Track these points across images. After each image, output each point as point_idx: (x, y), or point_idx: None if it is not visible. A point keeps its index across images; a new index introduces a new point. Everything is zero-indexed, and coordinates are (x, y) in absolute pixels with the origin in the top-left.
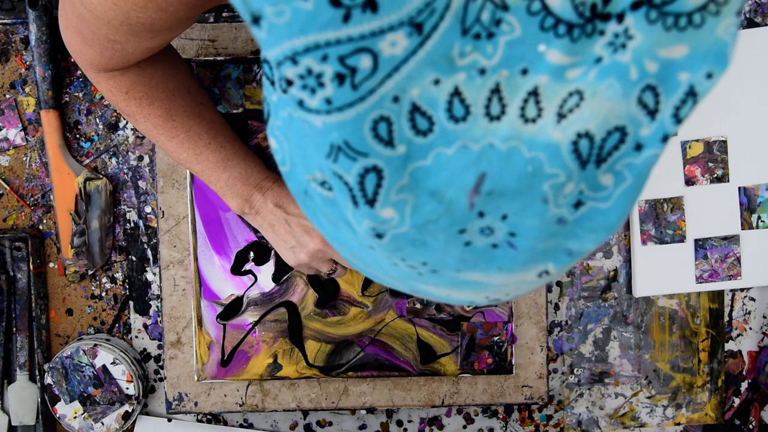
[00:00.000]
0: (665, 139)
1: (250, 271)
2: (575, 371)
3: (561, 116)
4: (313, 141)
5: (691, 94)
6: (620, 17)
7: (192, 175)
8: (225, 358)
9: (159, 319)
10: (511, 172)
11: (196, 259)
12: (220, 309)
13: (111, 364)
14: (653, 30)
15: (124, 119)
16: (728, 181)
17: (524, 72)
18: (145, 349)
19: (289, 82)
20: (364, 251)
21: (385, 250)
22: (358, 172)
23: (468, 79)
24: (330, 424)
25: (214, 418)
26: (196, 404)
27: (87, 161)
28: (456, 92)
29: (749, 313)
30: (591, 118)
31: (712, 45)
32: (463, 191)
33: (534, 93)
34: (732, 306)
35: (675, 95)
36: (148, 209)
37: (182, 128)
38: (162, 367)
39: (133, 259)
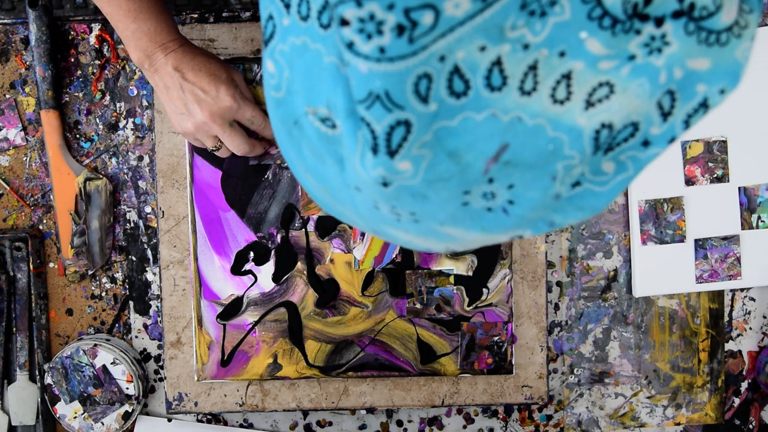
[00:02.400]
0: (672, 140)
1: (250, 271)
2: (575, 371)
3: (589, 104)
4: (332, 78)
5: (704, 105)
6: (658, 21)
7: (192, 175)
8: (225, 358)
9: (159, 319)
10: (533, 147)
11: (196, 259)
12: (220, 309)
13: (111, 364)
14: (689, 41)
15: (124, 119)
16: (728, 181)
17: (562, 54)
18: (145, 349)
19: (345, 22)
20: (343, 190)
21: (382, 196)
22: (390, 123)
23: (512, 51)
24: (330, 424)
25: (214, 418)
26: (196, 404)
27: (87, 161)
28: (498, 62)
29: (749, 313)
30: (618, 111)
31: (730, 64)
32: (483, 157)
33: (567, 76)
34: (732, 306)
35: (690, 104)
36: (148, 209)
37: None
38: (162, 367)
39: (133, 259)
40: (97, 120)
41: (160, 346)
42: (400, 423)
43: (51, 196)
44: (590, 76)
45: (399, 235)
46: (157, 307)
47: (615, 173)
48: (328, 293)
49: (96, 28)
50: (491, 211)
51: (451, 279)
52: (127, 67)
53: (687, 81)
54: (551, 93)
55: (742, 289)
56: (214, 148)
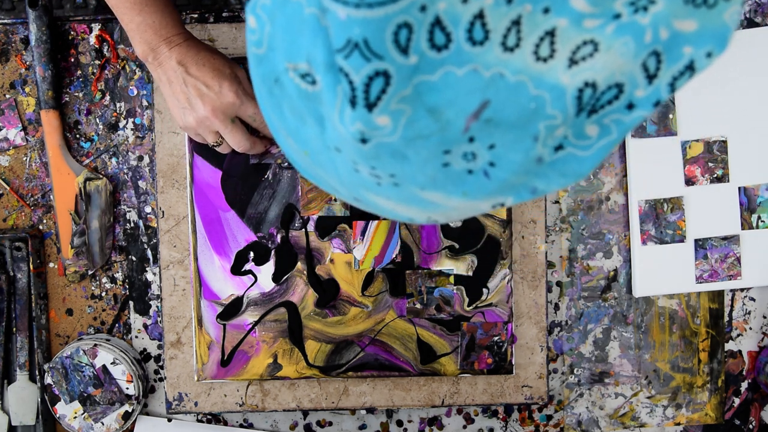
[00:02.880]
0: (657, 104)
1: (250, 271)
2: (575, 371)
3: (573, 62)
4: (312, 31)
5: (690, 68)
6: None
7: (192, 175)
8: (225, 358)
9: (159, 319)
10: (514, 105)
11: (196, 259)
12: (220, 309)
13: (111, 364)
14: (675, 1)
15: (124, 119)
16: (728, 181)
17: (546, 11)
18: (145, 349)
19: None
20: (324, 152)
21: (361, 155)
22: (368, 73)
23: (494, 4)
24: (330, 424)
25: (214, 418)
26: (196, 404)
27: (87, 161)
28: (480, 15)
29: (749, 313)
30: (601, 70)
31: (718, 27)
32: (463, 114)
33: (551, 33)
34: (732, 306)
35: (676, 66)
36: (148, 209)
37: None
38: (162, 367)
39: (133, 259)
40: (97, 120)
41: (160, 346)
42: (400, 423)
43: (51, 196)
44: (574, 33)
45: (380, 202)
46: (157, 307)
47: (599, 137)
48: (328, 293)
49: (96, 28)
50: (472, 173)
51: (451, 279)
52: (127, 67)
53: (673, 42)
54: (534, 50)
55: (742, 289)
56: (215, 144)
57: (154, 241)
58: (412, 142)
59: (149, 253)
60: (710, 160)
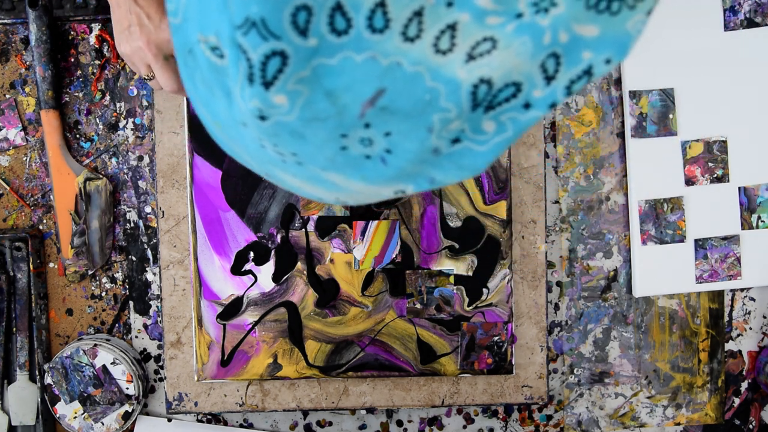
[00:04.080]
0: (552, 105)
1: (250, 271)
2: (575, 371)
3: (471, 57)
4: (219, 5)
5: (588, 73)
6: None
7: (192, 175)
8: (225, 358)
9: (159, 319)
10: (410, 95)
11: (196, 259)
12: (220, 309)
13: (111, 364)
14: (576, 4)
15: (124, 119)
16: (728, 181)
17: (449, 5)
18: (145, 349)
19: None
20: (233, 126)
21: (262, 132)
22: (265, 52)
23: None
24: (330, 424)
25: (214, 418)
26: (196, 404)
27: (87, 161)
28: (382, 3)
29: (749, 313)
30: (498, 67)
31: (619, 34)
32: (359, 100)
33: (452, 27)
34: (732, 306)
35: (574, 70)
36: (148, 209)
37: None
38: (162, 367)
39: (133, 259)
40: (97, 120)
41: (160, 346)
42: (400, 423)
43: (51, 196)
44: (476, 29)
45: (288, 180)
46: (157, 307)
47: (495, 133)
48: (328, 293)
49: (96, 28)
50: (370, 159)
51: (451, 279)
52: (127, 67)
53: (573, 46)
54: (434, 42)
55: (742, 289)
56: (146, 77)
57: (154, 241)
58: (309, 123)
59: (149, 253)
60: (710, 160)
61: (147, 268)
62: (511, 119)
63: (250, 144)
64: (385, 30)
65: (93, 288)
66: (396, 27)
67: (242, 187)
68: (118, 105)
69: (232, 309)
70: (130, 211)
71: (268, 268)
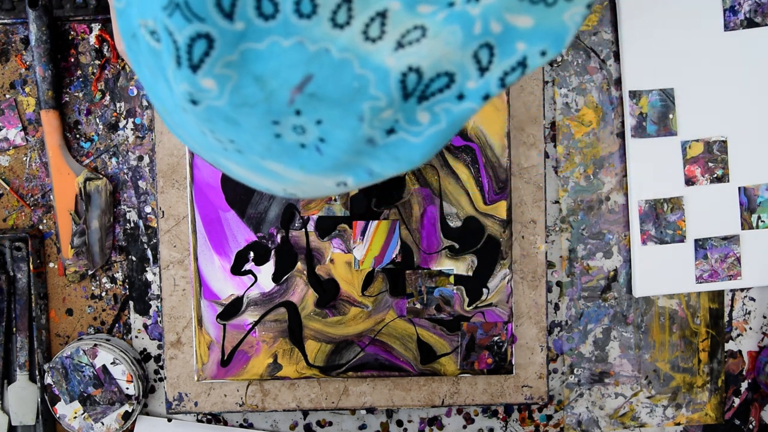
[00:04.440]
0: (486, 97)
1: (250, 271)
2: (575, 371)
3: (400, 45)
4: None
5: (522, 65)
6: None
7: (192, 175)
8: (225, 358)
9: (159, 319)
10: (338, 82)
11: (196, 259)
12: (220, 309)
13: (111, 364)
14: None
15: (124, 119)
16: (728, 181)
17: None
18: (145, 349)
19: None
20: (176, 111)
21: (197, 117)
22: (190, 34)
23: None
24: (330, 424)
25: (214, 418)
26: (196, 404)
27: (87, 161)
28: None
29: (749, 313)
30: (426, 56)
31: (555, 26)
32: (287, 85)
33: (382, 15)
34: (732, 306)
35: (507, 61)
36: (148, 209)
37: None
38: (162, 367)
39: (133, 259)
40: (97, 120)
41: (160, 346)
42: (400, 423)
43: (51, 196)
44: (406, 17)
45: (233, 168)
46: (157, 307)
47: (429, 124)
48: (328, 293)
49: (96, 28)
50: (305, 147)
51: (451, 279)
52: (127, 67)
53: (506, 37)
54: (364, 29)
55: (742, 289)
56: None
57: (154, 241)
58: (240, 108)
59: (149, 253)
60: (710, 160)
61: (147, 268)
62: (445, 110)
63: (193, 130)
64: (313, 15)
65: (93, 288)
66: (324, 13)
67: (242, 187)
68: (118, 105)
69: (232, 309)
70: (130, 211)
71: (268, 268)
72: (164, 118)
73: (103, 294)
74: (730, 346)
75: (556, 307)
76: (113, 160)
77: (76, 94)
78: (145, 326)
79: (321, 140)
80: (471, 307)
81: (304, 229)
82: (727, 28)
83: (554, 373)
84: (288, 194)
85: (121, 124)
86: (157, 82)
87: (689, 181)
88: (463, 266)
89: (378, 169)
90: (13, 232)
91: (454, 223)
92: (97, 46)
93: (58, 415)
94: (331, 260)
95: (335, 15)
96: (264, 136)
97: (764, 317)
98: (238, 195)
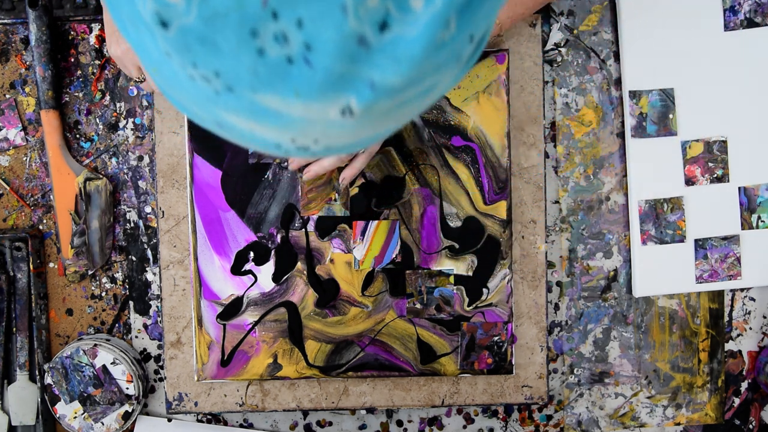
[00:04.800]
0: None
1: (250, 271)
2: (575, 371)
3: None
4: None
5: None
6: None
7: (192, 175)
8: (225, 358)
9: (159, 319)
10: None
11: (196, 259)
12: (220, 309)
13: (111, 364)
14: None
15: (124, 119)
16: (728, 181)
17: None
18: (145, 349)
19: None
20: (163, 61)
21: (174, 49)
22: None
23: None
24: (330, 424)
25: (214, 418)
26: (196, 404)
27: (87, 161)
28: None
29: (749, 313)
30: None
31: None
32: None
33: None
34: (732, 306)
35: None
36: (148, 209)
37: None
38: (162, 367)
39: (133, 259)
40: (97, 120)
41: (160, 346)
42: (400, 423)
43: (51, 196)
44: None
45: (236, 122)
46: (157, 307)
47: (424, 7)
48: (328, 293)
49: (96, 28)
50: (293, 63)
51: (451, 279)
52: None
53: None
54: None
55: (742, 289)
56: (138, 80)
57: (154, 241)
58: (212, 22)
59: (149, 253)
60: (710, 160)
61: (147, 268)
62: None
63: (183, 80)
64: None
65: (93, 288)
66: None
67: (242, 187)
68: (118, 105)
69: (232, 309)
70: (130, 211)
71: (268, 268)
72: (158, 82)
73: (103, 294)
74: (730, 346)
75: (556, 307)
76: (113, 160)
77: (76, 94)
78: (145, 326)
79: (307, 47)
80: (471, 307)
81: (304, 229)
82: (727, 28)
83: (554, 373)
84: (299, 148)
85: (121, 124)
86: (140, 32)
87: (689, 181)
88: (463, 266)
89: (379, 77)
90: (13, 232)
91: (454, 223)
92: (97, 46)
93: (58, 415)
94: (331, 260)
95: None
96: (246, 55)
97: (764, 317)
98: (238, 195)
